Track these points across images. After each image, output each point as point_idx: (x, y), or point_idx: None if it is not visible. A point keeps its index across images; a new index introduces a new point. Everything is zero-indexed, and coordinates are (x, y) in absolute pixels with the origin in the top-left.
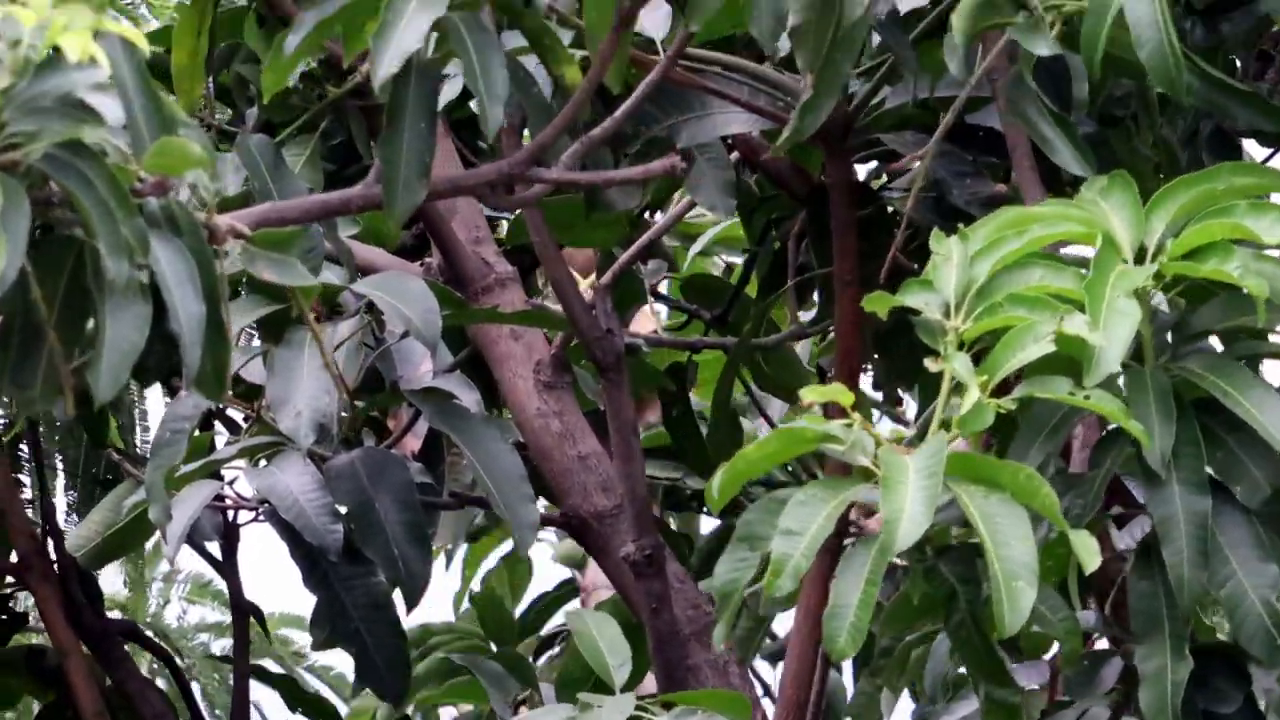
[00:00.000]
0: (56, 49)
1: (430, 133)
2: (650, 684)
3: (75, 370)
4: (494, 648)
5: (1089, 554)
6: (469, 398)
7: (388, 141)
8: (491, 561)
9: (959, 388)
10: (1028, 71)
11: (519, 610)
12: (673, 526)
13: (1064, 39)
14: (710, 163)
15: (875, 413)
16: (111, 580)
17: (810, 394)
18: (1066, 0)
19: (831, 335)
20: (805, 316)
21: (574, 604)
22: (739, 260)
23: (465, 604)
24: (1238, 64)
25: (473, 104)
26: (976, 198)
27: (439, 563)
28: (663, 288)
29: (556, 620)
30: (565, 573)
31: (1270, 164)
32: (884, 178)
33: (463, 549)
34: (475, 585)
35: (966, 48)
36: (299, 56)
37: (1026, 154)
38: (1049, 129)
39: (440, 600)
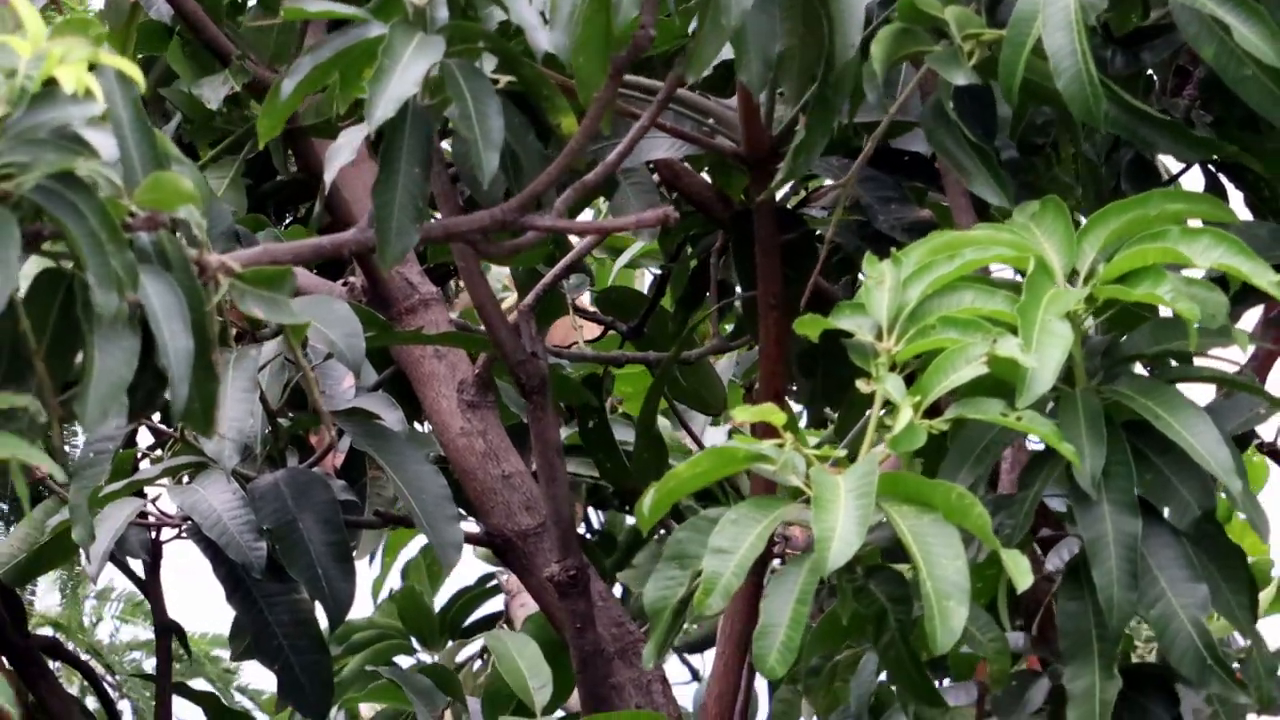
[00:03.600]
0: (52, 80)
1: (424, 177)
2: (575, 703)
3: (63, 402)
4: (415, 644)
5: (1021, 573)
6: (392, 417)
7: (382, 186)
8: (412, 550)
9: (890, 409)
10: (946, 100)
11: (440, 601)
12: (595, 524)
13: (985, 67)
14: (635, 187)
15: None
16: (45, 597)
17: (741, 413)
18: (985, 29)
19: (754, 351)
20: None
21: (496, 601)
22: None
23: (385, 592)
24: (1155, 80)
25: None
26: (901, 223)
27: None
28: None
29: (479, 614)
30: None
31: (1184, 181)
32: (803, 196)
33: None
34: (396, 571)
35: (884, 76)
36: (294, 102)
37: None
38: (966, 158)
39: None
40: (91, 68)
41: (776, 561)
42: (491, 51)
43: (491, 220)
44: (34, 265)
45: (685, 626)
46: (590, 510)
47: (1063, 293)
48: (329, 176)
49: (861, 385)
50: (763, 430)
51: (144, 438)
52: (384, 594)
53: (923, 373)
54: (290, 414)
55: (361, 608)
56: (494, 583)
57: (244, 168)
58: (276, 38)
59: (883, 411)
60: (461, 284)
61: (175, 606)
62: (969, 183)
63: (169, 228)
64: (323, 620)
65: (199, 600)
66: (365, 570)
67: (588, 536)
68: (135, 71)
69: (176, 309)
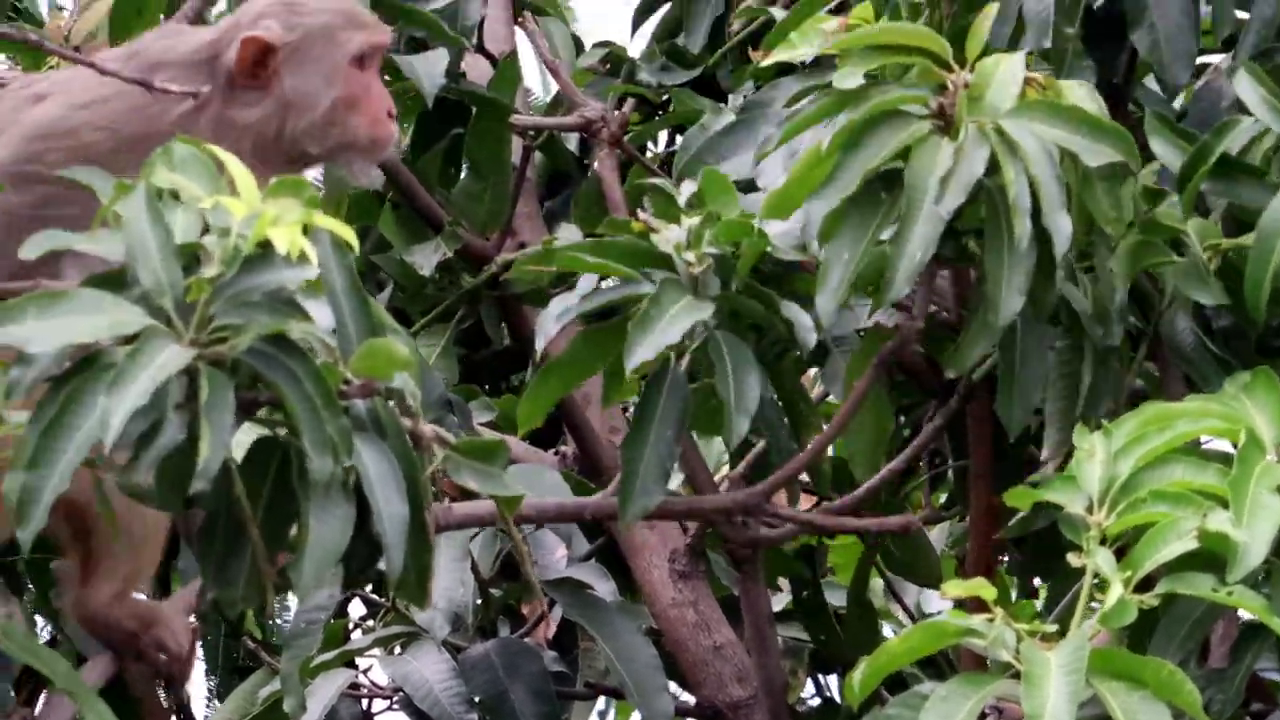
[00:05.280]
0: (266, 241)
1: (676, 440)
2: None
3: (279, 570)
4: None
5: None
6: (604, 587)
7: (632, 443)
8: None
9: (1101, 582)
10: (1188, 315)
11: None
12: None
13: (1222, 273)
14: (844, 355)
15: None
16: None
17: (953, 588)
18: (1224, 240)
19: (964, 521)
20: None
21: None
22: None
23: None
24: None
25: None
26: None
27: None
28: None
29: None
30: None
31: None
32: None
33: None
34: None
35: (1126, 290)
36: (567, 381)
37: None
38: (1210, 369)
39: None
40: (305, 230)
41: None
42: (757, 347)
43: (734, 503)
44: (248, 432)
45: None
46: (814, 677)
47: (1274, 466)
48: (540, 345)
49: (1073, 559)
50: (974, 603)
51: (356, 608)
52: None
53: (1133, 545)
54: (502, 584)
55: None
56: None
57: (456, 335)
58: (488, 205)
59: (1093, 585)
60: None
61: None
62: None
63: (383, 395)
64: None
65: None
66: None
67: (815, 702)
68: (350, 235)
69: (391, 476)
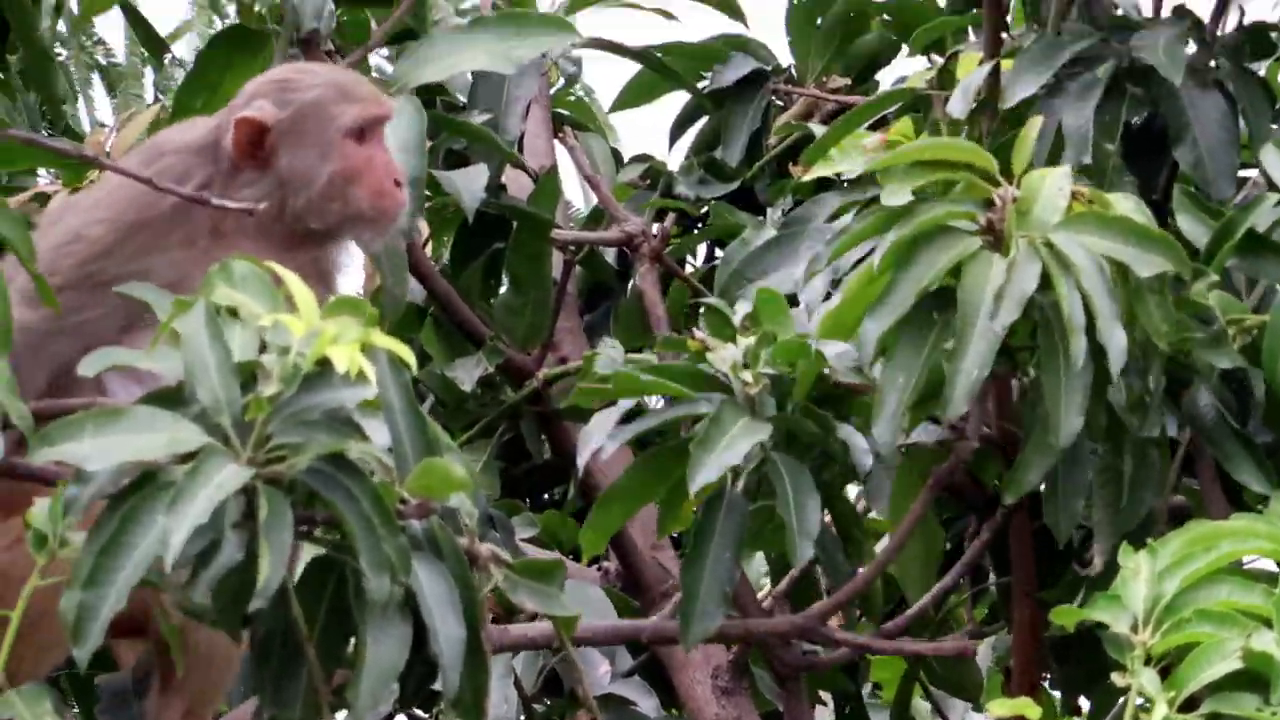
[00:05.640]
0: (324, 360)
1: (734, 563)
2: None
3: (335, 690)
4: None
5: None
6: (648, 704)
7: (690, 566)
8: None
9: (1146, 702)
10: (1211, 385)
11: None
12: None
13: (1246, 351)
14: (886, 470)
15: None
16: None
17: (998, 707)
18: (1248, 315)
19: (1009, 636)
20: None
21: None
22: None
23: None
24: None
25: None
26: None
27: None
28: None
29: None
30: None
31: None
32: None
33: None
34: None
35: (1161, 375)
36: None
37: (1210, 464)
38: (1230, 444)
39: None
40: (363, 349)
41: None
42: (811, 464)
43: (791, 626)
44: (303, 551)
45: None
46: None
47: None
48: (582, 461)
49: (1117, 679)
50: None
51: None
52: None
53: (1178, 665)
54: (545, 700)
55: None
56: None
57: (497, 450)
58: (529, 319)
59: (1138, 705)
60: None
61: None
62: (1233, 470)
63: (440, 515)
64: None
65: None
66: None
67: None
68: (408, 354)
69: (448, 597)
